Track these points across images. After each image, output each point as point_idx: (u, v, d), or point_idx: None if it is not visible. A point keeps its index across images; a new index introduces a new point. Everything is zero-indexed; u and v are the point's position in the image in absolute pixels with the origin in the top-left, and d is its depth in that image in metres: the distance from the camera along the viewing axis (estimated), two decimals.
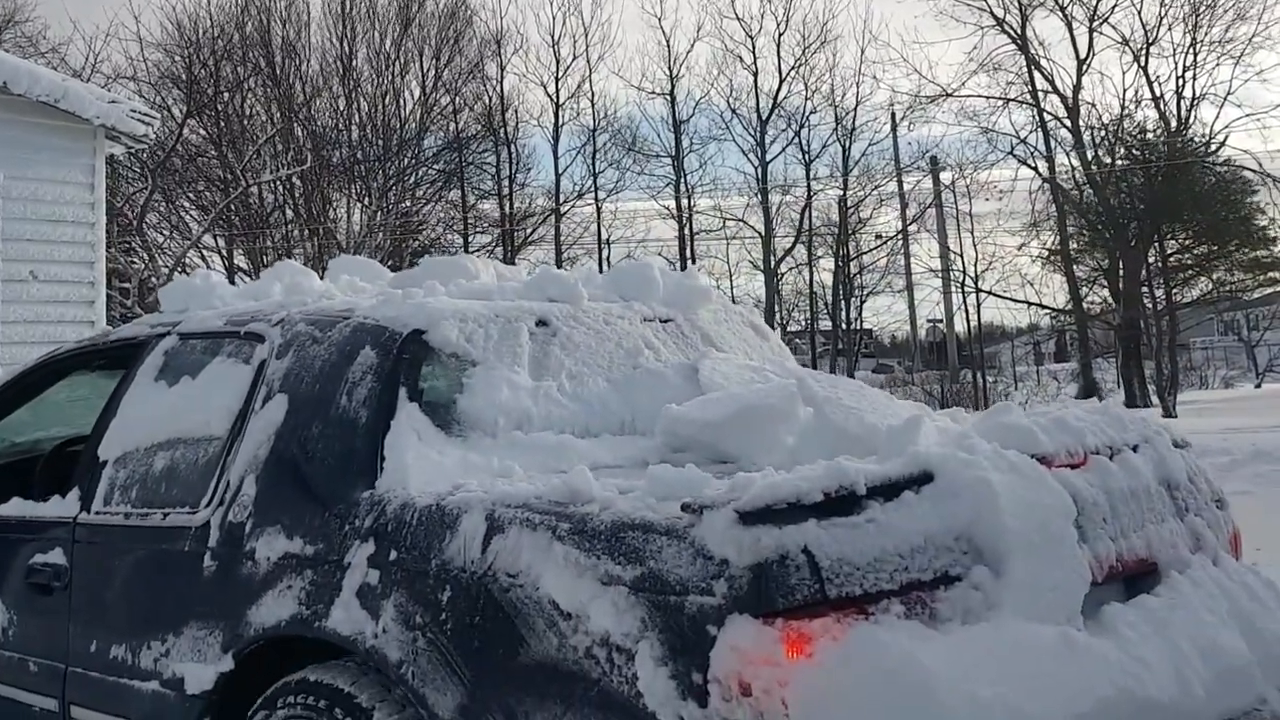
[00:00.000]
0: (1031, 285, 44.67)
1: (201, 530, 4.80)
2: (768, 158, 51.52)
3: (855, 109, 50.84)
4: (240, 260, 41.89)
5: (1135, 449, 4.43)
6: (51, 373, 6.50)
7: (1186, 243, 43.06)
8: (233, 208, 37.47)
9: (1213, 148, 41.84)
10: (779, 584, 3.29)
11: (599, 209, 53.02)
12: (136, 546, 5.11)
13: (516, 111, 52.91)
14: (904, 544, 3.49)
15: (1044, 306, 45.58)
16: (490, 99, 51.58)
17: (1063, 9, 43.39)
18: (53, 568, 5.38)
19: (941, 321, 49.59)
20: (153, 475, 5.20)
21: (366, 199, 41.38)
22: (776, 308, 51.10)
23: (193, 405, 5.18)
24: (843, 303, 53.07)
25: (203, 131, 40.49)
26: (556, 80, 52.68)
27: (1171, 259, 42.29)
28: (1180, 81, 42.68)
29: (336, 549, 4.30)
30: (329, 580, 4.27)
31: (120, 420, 5.49)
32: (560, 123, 52.79)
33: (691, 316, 5.78)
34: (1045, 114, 43.86)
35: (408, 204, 44.62)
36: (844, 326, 53.77)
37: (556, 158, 53.22)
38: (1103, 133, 43.89)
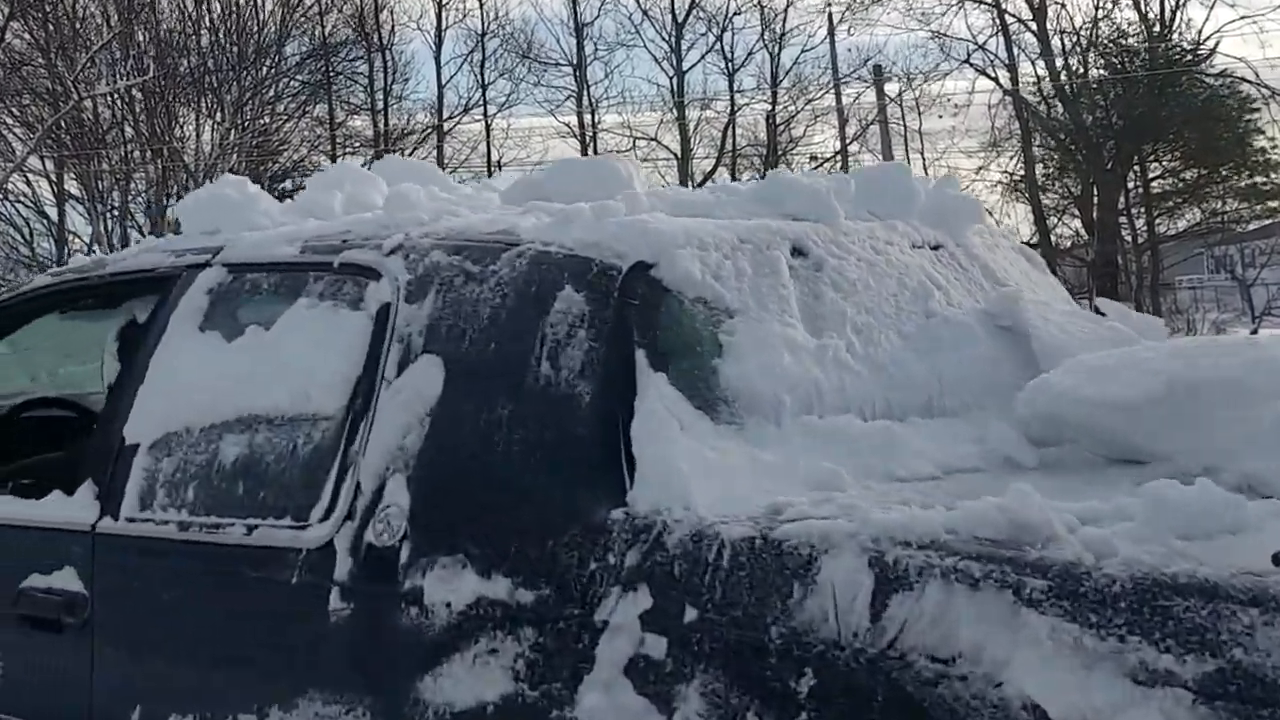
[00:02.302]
0: (991, 215, 44.05)
1: (320, 555, 3.75)
2: (684, 67, 50.91)
3: (786, 10, 49.92)
4: (72, 186, 41.12)
5: None
6: (11, 316, 5.42)
7: (1172, 166, 42.88)
8: (63, 124, 36.64)
9: (1202, 55, 41.32)
10: None
11: (488, 126, 52.59)
12: (203, 572, 4.06)
13: (392, 12, 52.41)
14: None
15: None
16: None
17: None
18: (61, 596, 4.32)
19: None
20: (222, 470, 4.13)
21: (219, 115, 40.47)
22: None
23: (275, 369, 4.14)
24: None
25: (28, 36, 39.04)
26: None
27: (1154, 185, 42.40)
28: None
29: (579, 598, 3.26)
30: (568, 646, 3.24)
31: (155, 388, 4.41)
32: (443, 25, 52.27)
33: (963, 241, 4.78)
34: (1007, 15, 43.16)
35: (266, 120, 43.99)
36: None
37: (439, 66, 52.76)
38: (1074, 37, 43.09)
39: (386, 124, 51.65)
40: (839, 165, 46.33)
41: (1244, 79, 39.48)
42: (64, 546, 4.39)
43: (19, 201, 40.55)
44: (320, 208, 5.01)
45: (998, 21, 43.13)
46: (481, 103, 52.49)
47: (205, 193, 5.23)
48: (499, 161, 51.90)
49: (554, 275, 3.76)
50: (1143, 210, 41.58)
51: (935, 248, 4.64)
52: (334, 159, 48.58)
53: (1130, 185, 41.44)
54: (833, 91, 48.06)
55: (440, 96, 52.54)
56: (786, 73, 50.42)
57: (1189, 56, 41.33)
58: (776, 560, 2.98)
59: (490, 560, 3.42)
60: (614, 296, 3.66)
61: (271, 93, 45.51)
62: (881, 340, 4.01)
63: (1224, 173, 42.06)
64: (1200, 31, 41.96)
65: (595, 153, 49.74)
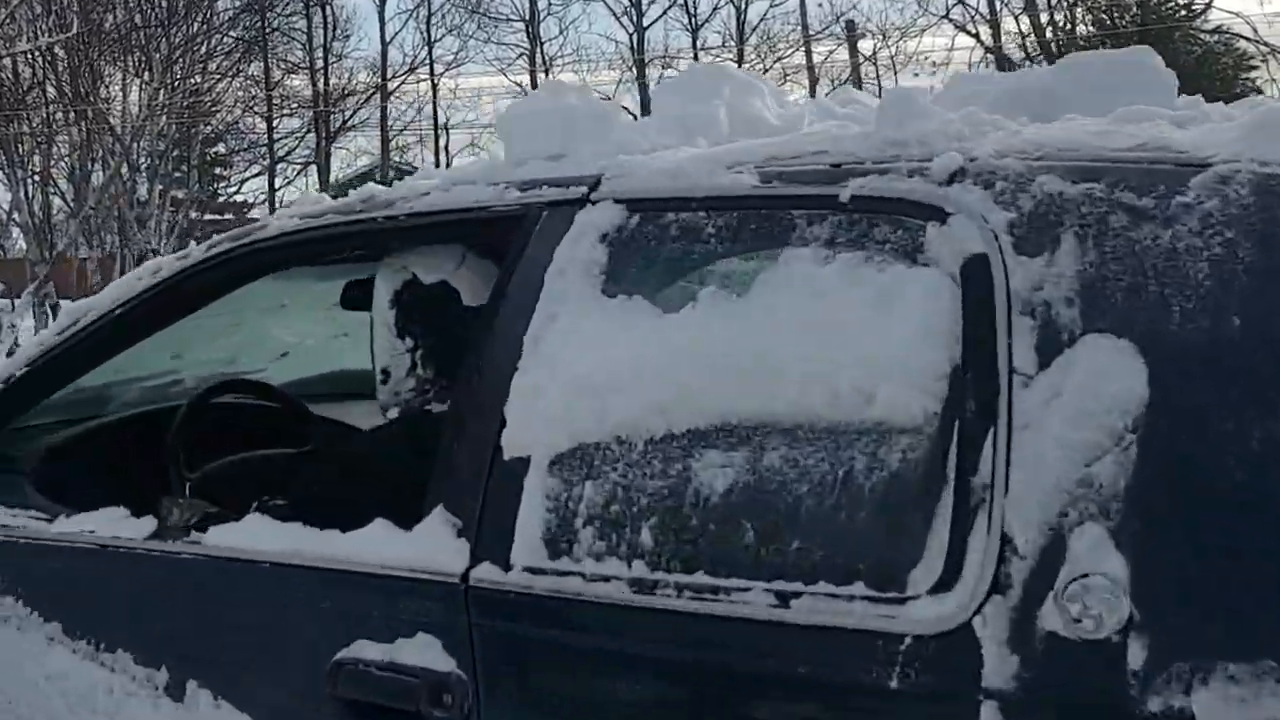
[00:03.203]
0: None
1: (945, 646, 2.49)
2: (645, 22, 51.28)
3: None
4: None
5: None
6: (234, 273, 4.13)
7: None
8: None
9: (1197, 10, 41.27)
10: None
11: (435, 86, 52.98)
12: (695, 659, 2.82)
13: None
14: None
15: None
16: None
17: None
18: (418, 676, 3.08)
19: None
20: (707, 504, 2.84)
21: (147, 74, 39.92)
22: None
23: (779, 354, 2.84)
24: None
25: None
26: None
27: None
28: None
29: None
30: None
31: (542, 377, 3.11)
32: None
33: None
34: None
35: (198, 80, 43.44)
36: None
37: (383, 22, 53.38)
38: None
39: (326, 83, 52.12)
40: None
41: (1241, 35, 39.78)
42: (414, 604, 3.16)
43: None
44: (702, 122, 3.84)
45: None
46: (428, 61, 52.98)
47: (537, 103, 3.99)
48: (446, 123, 52.87)
49: None
50: None
51: None
52: (270, 121, 49.18)
53: None
54: (803, 49, 48.27)
55: (384, 54, 53.04)
56: (754, 29, 50.98)
57: (1183, 11, 41.19)
58: None
59: None
60: None
61: (203, 50, 45.08)
62: None
63: None
64: None
65: None
